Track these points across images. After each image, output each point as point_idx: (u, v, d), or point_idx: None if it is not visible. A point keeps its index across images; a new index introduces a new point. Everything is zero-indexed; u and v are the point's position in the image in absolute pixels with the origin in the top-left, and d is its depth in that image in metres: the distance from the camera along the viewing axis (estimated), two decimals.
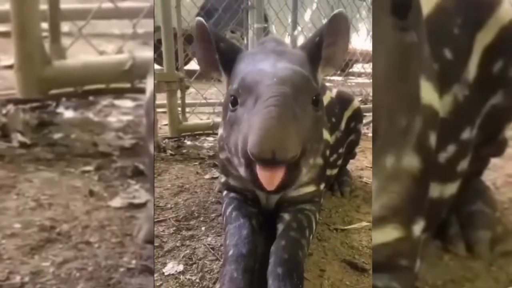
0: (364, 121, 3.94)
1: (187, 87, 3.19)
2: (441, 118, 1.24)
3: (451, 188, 1.40)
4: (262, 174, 1.10)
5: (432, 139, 1.17)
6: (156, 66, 3.18)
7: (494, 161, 1.69)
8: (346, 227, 1.76)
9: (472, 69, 1.36)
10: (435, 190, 1.32)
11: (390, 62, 0.91)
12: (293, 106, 1.12)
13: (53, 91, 2.56)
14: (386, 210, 1.10)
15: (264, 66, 1.25)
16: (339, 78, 6.19)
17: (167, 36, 2.92)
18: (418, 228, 1.16)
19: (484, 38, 1.37)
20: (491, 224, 1.54)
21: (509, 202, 1.85)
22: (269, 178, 1.10)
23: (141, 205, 1.72)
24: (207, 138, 3.30)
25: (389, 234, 1.11)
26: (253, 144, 1.04)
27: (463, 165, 1.39)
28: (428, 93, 1.14)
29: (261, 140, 1.02)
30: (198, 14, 4.22)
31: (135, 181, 1.93)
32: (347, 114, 2.13)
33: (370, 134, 3.62)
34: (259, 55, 1.36)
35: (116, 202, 1.75)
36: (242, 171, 1.23)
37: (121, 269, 1.38)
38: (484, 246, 1.50)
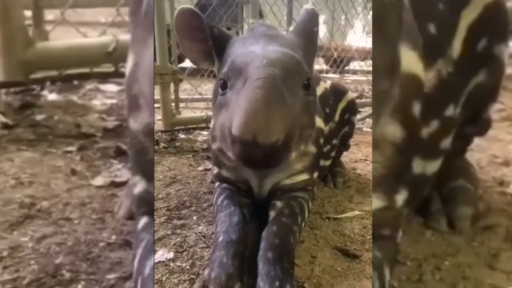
0: (359, 116, 3.95)
1: (180, 80, 3.15)
2: (425, 92, 1.23)
3: (434, 166, 1.40)
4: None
5: (416, 109, 1.16)
6: None
7: (479, 142, 1.70)
8: (338, 216, 1.75)
9: (456, 46, 1.36)
10: (418, 166, 1.32)
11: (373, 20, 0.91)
12: (281, 89, 1.09)
13: (37, 74, 2.54)
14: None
15: (254, 49, 1.23)
16: (335, 76, 6.17)
17: (160, 30, 2.87)
18: (401, 198, 1.15)
19: (468, 16, 1.36)
20: (472, 201, 1.55)
21: (493, 181, 1.87)
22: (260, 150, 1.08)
23: (123, 184, 1.71)
24: (201, 132, 3.27)
25: (372, 203, 1.11)
26: (235, 127, 1.02)
27: (446, 142, 1.39)
28: (412, 62, 1.14)
29: (243, 123, 1.00)
30: None
31: (117, 161, 1.92)
32: (341, 105, 2.12)
33: (365, 129, 3.65)
34: (249, 39, 1.33)
35: (98, 180, 1.75)
36: (230, 152, 1.18)
37: (101, 244, 1.38)
38: (465, 222, 1.51)
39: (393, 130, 1.10)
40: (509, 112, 2.76)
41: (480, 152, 2.10)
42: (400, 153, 1.11)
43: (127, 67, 1.21)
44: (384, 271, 1.09)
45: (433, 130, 1.32)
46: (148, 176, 1.17)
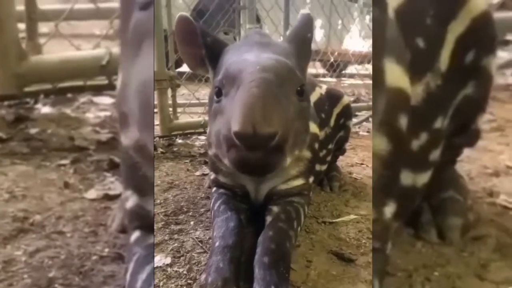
0: (355, 120, 3.97)
1: (178, 86, 3.15)
2: (414, 106, 1.25)
3: (424, 177, 1.41)
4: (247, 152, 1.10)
5: (403, 122, 1.17)
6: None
7: (469, 153, 1.71)
8: (334, 220, 1.76)
9: (444, 59, 1.37)
10: (408, 178, 1.33)
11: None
12: (275, 91, 1.11)
13: (30, 87, 2.56)
14: None
15: (248, 57, 1.24)
16: (332, 80, 6.20)
17: (157, 35, 2.88)
18: (389, 210, 1.16)
19: (456, 29, 1.38)
20: (462, 211, 1.56)
21: (483, 192, 1.88)
22: (255, 156, 1.10)
23: (116, 196, 1.72)
24: (199, 137, 3.28)
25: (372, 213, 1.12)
26: (235, 123, 1.03)
27: (435, 154, 1.41)
28: (397, 76, 1.15)
29: (242, 117, 1.02)
30: (190, 15, 4.20)
31: (110, 174, 1.94)
32: (336, 110, 2.14)
33: (361, 132, 3.67)
34: (243, 47, 1.36)
35: (91, 193, 1.76)
36: (226, 159, 1.21)
37: (94, 257, 1.38)
38: (455, 233, 1.52)
39: (379, 143, 1.11)
40: (499, 123, 2.78)
41: (470, 163, 2.11)
42: (386, 166, 1.12)
43: (117, 84, 1.22)
44: (374, 283, 1.10)
45: (422, 143, 1.34)
46: (140, 190, 1.18)
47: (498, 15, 1.49)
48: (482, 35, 1.41)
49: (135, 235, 1.20)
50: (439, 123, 1.37)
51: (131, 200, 1.20)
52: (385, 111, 1.10)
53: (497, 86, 1.49)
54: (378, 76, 1.04)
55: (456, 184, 1.61)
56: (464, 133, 1.54)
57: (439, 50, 1.36)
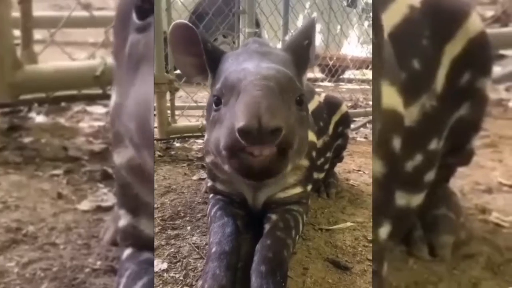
0: (353, 126, 3.99)
1: (177, 89, 3.18)
2: (409, 127, 1.25)
3: (418, 198, 1.41)
4: (250, 157, 1.11)
5: (396, 143, 1.18)
6: None
7: (462, 169, 1.72)
8: (330, 227, 1.77)
9: (440, 80, 1.38)
10: (402, 199, 1.33)
11: None
12: (277, 97, 1.11)
13: (25, 96, 2.55)
14: None
15: (247, 66, 1.24)
16: (330, 84, 6.24)
17: (157, 38, 2.90)
18: (384, 231, 1.17)
19: (452, 50, 1.38)
20: (454, 229, 1.56)
21: (475, 208, 1.88)
22: (257, 160, 1.10)
23: (109, 208, 1.72)
24: (196, 141, 3.29)
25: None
26: (238, 120, 1.03)
27: (430, 175, 1.41)
28: (391, 98, 1.16)
29: (247, 112, 1.02)
30: (190, 18, 4.22)
31: (103, 185, 1.93)
32: (335, 118, 2.14)
33: (359, 138, 3.69)
34: (242, 55, 1.35)
35: (84, 205, 1.75)
36: (226, 165, 1.22)
37: (86, 270, 1.38)
38: (447, 250, 1.52)
39: (374, 166, 1.11)
40: (492, 139, 2.80)
41: (462, 179, 2.12)
42: (381, 188, 1.13)
43: (111, 103, 1.21)
44: None
45: (417, 164, 1.34)
46: (132, 210, 1.18)
47: (492, 30, 1.49)
48: (478, 56, 1.41)
49: (127, 252, 1.20)
50: (434, 144, 1.38)
51: (123, 219, 1.20)
52: (380, 133, 1.11)
53: (490, 102, 1.49)
54: (376, 99, 1.05)
55: (449, 202, 1.61)
56: (459, 152, 1.55)
57: (435, 71, 1.37)
